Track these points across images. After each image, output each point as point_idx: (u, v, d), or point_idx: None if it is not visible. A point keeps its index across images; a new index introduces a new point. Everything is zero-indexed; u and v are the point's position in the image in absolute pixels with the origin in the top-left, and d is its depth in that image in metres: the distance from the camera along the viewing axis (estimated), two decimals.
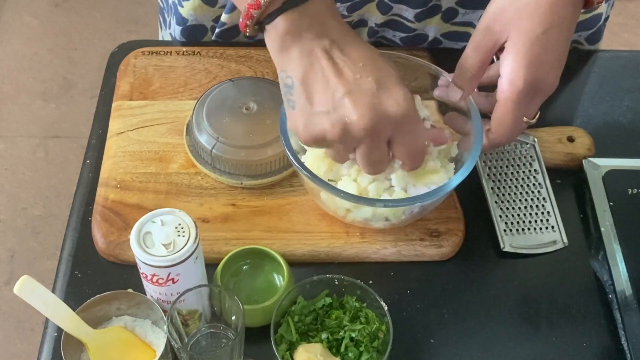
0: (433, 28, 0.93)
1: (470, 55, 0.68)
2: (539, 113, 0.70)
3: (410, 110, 0.63)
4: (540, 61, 0.65)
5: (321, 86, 0.62)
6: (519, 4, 0.64)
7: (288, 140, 0.71)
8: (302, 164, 0.70)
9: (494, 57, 0.69)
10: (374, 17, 0.91)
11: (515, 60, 0.64)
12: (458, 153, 0.75)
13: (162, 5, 1.02)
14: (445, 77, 0.74)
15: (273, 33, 0.63)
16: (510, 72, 0.65)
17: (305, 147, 0.72)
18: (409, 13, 0.90)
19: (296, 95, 0.63)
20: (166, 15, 1.01)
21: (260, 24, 0.64)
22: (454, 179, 0.69)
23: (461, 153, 0.74)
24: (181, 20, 0.95)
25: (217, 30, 0.95)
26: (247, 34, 0.65)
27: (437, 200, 0.71)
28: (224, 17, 0.92)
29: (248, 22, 0.64)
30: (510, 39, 0.65)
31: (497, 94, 0.67)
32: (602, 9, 0.94)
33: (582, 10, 0.92)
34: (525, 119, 0.69)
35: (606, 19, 0.98)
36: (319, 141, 0.64)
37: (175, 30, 0.97)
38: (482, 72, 0.69)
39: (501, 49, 0.67)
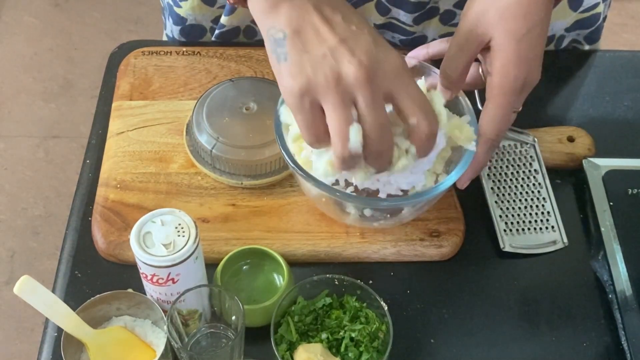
0: (432, 30, 0.94)
1: (455, 57, 0.69)
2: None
3: (407, 65, 0.60)
4: (528, 58, 0.67)
5: (314, 36, 0.58)
6: (499, 5, 0.66)
7: (283, 140, 0.71)
8: (296, 164, 0.70)
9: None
10: (373, 17, 0.92)
11: (505, 58, 0.66)
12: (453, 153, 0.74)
13: (162, 4, 1.02)
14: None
15: None
16: (501, 70, 0.67)
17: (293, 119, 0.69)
18: (406, 18, 0.90)
19: (288, 46, 0.59)
20: (162, 16, 1.01)
21: None
22: (452, 174, 0.69)
23: (457, 149, 0.74)
24: (180, 20, 0.95)
25: (216, 31, 0.95)
26: (231, 3, 0.64)
27: (436, 196, 0.71)
28: (223, 19, 0.92)
29: None
30: (495, 39, 0.67)
31: (488, 91, 0.69)
32: (600, 8, 0.94)
33: (581, 9, 0.93)
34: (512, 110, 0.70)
35: (604, 19, 0.99)
36: (310, 89, 0.58)
37: (174, 30, 0.97)
38: (467, 71, 0.70)
39: (484, 49, 0.69)
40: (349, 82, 0.57)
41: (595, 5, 0.94)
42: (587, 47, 1.00)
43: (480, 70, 0.72)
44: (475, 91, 0.76)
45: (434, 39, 0.95)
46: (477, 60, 0.71)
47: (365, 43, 0.58)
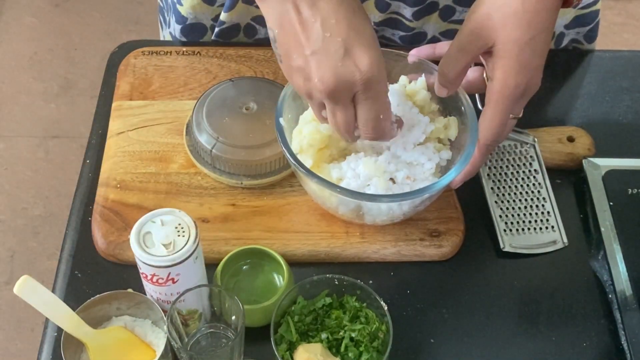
0: (432, 26, 0.94)
1: (454, 58, 0.69)
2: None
3: (376, 76, 0.62)
4: (530, 66, 0.67)
5: (293, 41, 0.62)
6: (505, 11, 0.66)
7: (284, 137, 0.71)
8: (298, 161, 0.70)
9: None
10: (373, 15, 0.92)
11: (507, 65, 0.66)
12: (456, 143, 0.74)
13: (161, 4, 1.02)
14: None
15: None
16: (502, 77, 0.67)
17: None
18: (407, 11, 0.90)
19: (279, 48, 0.65)
20: (166, 15, 1.01)
21: None
22: (449, 174, 0.70)
23: (459, 140, 0.74)
24: (180, 19, 0.95)
25: (216, 29, 0.95)
26: None
27: (436, 194, 0.71)
28: (223, 16, 0.92)
29: None
30: (498, 45, 0.66)
31: (487, 96, 0.69)
32: (599, 5, 0.95)
33: (580, 6, 0.93)
34: (511, 115, 0.70)
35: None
36: (299, 91, 0.66)
37: (175, 29, 0.97)
38: (465, 72, 0.71)
39: (487, 52, 0.68)
40: (316, 95, 0.64)
41: (595, 2, 0.94)
42: (586, 46, 1.00)
43: (485, 74, 0.72)
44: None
45: (433, 36, 0.95)
46: (482, 64, 0.71)
47: (332, 58, 0.61)
